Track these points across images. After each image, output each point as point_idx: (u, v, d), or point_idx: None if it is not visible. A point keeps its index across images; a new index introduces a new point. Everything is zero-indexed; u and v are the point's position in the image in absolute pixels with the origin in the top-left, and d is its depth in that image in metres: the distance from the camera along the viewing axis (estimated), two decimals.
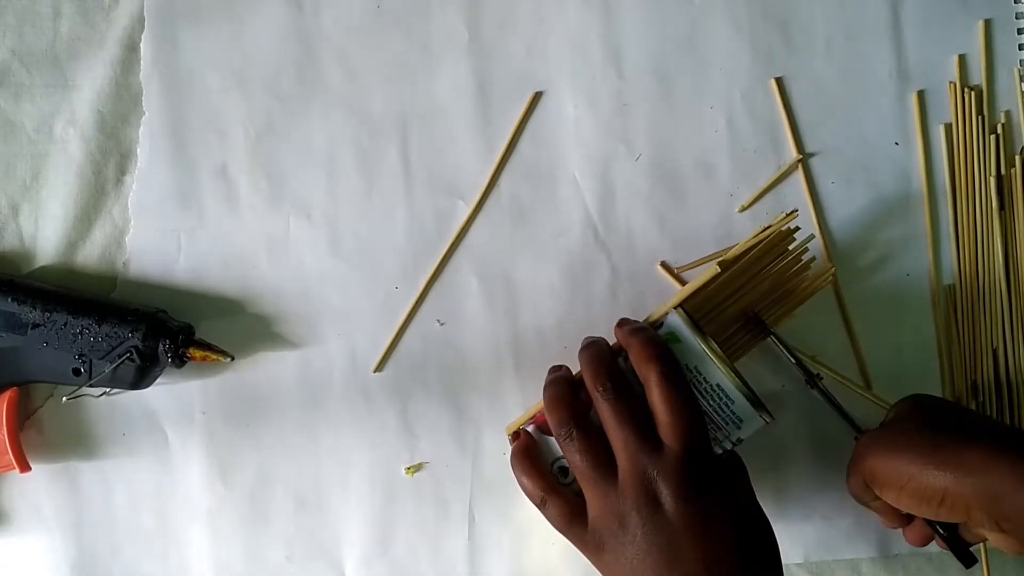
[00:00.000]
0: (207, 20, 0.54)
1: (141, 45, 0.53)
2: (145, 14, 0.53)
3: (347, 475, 0.53)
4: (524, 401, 0.54)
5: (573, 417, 0.45)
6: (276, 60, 0.54)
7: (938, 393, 0.55)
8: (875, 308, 0.55)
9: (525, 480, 0.46)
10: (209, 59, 0.54)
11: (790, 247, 0.50)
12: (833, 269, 0.52)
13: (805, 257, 0.50)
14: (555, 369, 0.49)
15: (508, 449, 0.53)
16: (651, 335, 0.45)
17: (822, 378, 0.51)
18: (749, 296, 0.50)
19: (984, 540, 0.47)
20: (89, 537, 0.53)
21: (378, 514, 0.53)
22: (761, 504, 0.45)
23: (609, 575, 0.44)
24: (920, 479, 0.43)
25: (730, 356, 0.50)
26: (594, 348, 0.47)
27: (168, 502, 0.53)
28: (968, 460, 0.42)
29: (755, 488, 0.46)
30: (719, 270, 0.46)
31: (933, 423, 0.46)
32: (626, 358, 0.46)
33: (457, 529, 0.54)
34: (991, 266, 0.55)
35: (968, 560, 0.48)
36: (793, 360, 0.50)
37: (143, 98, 0.53)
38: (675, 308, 0.47)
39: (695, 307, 0.48)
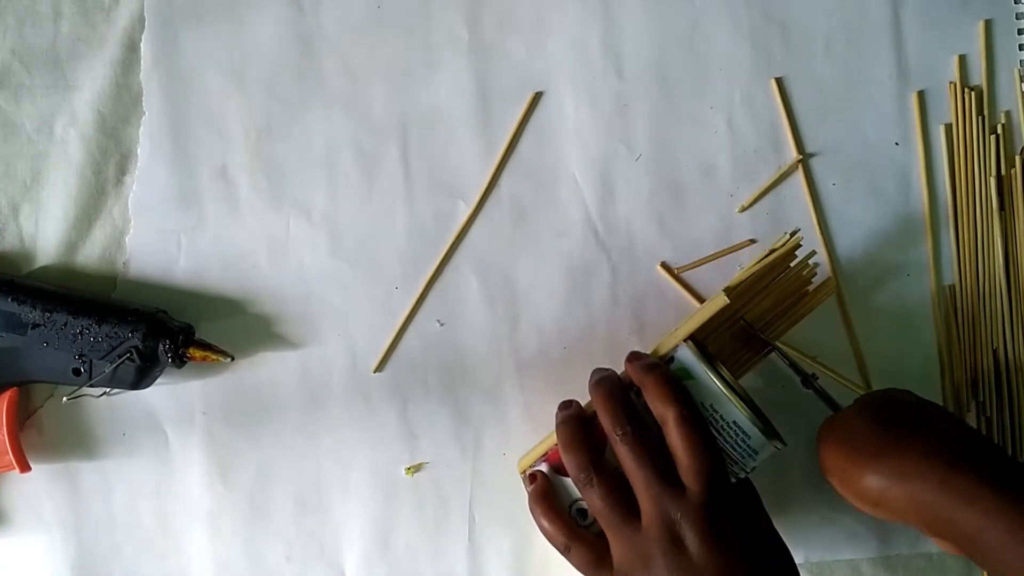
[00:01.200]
0: (207, 20, 0.54)
1: (141, 45, 0.53)
2: (145, 14, 0.53)
3: (347, 475, 0.53)
4: (524, 402, 0.54)
5: (592, 461, 0.44)
6: (276, 60, 0.54)
7: (938, 393, 0.55)
8: (875, 308, 0.55)
9: (547, 525, 0.46)
10: (209, 59, 0.54)
11: (792, 264, 0.49)
12: (834, 283, 0.52)
13: (807, 269, 0.50)
14: (565, 405, 0.48)
15: (508, 450, 0.53)
16: (666, 373, 0.44)
17: (817, 378, 0.51)
18: (752, 314, 0.50)
19: None
20: (89, 537, 0.53)
21: (378, 514, 0.53)
22: (767, 513, 0.46)
23: None
24: (859, 480, 0.45)
25: (735, 373, 0.50)
26: (607, 384, 0.46)
27: (168, 502, 0.53)
28: (904, 467, 0.43)
29: (756, 490, 0.46)
30: (727, 300, 0.45)
31: (885, 420, 0.46)
32: (638, 393, 0.45)
33: (457, 529, 0.54)
34: (991, 266, 0.55)
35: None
36: (787, 363, 0.50)
37: (143, 98, 0.53)
38: (684, 341, 0.46)
39: (698, 328, 0.48)
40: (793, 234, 0.48)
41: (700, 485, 0.42)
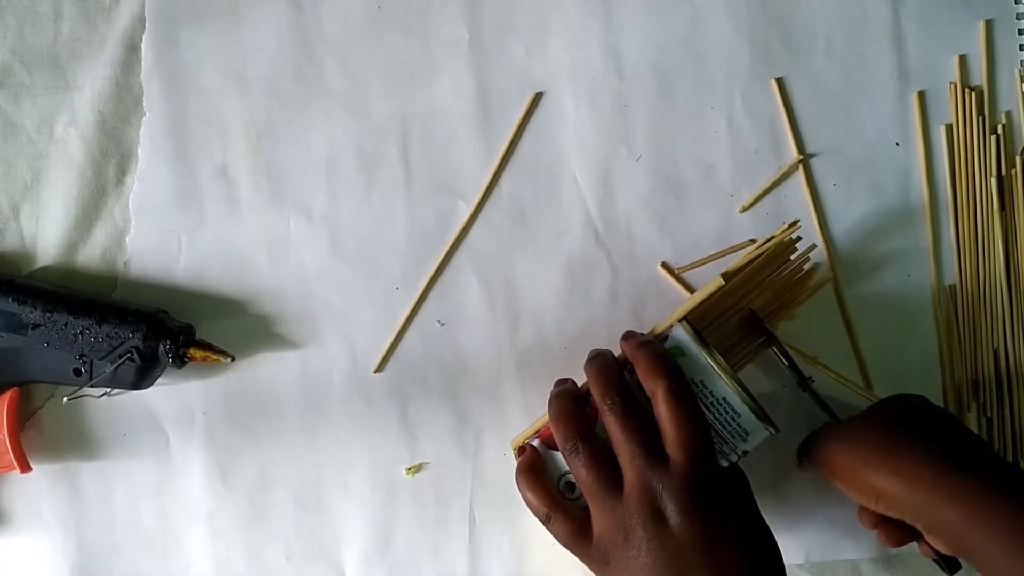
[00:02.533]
0: (208, 21, 0.54)
1: (142, 46, 0.53)
2: (146, 15, 0.53)
3: (347, 475, 0.53)
4: (524, 402, 0.54)
5: (579, 431, 0.44)
6: (277, 61, 0.54)
7: (939, 393, 0.55)
8: (876, 308, 0.55)
9: (530, 496, 0.46)
10: (210, 60, 0.54)
11: (792, 257, 0.50)
12: (831, 271, 0.52)
13: (807, 265, 0.50)
14: (560, 382, 0.49)
15: (509, 449, 0.53)
16: (658, 349, 0.45)
17: (813, 380, 0.51)
18: (752, 305, 0.50)
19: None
20: (89, 537, 0.53)
21: (378, 514, 0.53)
22: (761, 505, 0.45)
23: None
24: (862, 476, 0.46)
25: (734, 366, 0.50)
26: (600, 361, 0.46)
27: (168, 502, 0.53)
28: (900, 468, 0.44)
29: (755, 490, 0.46)
30: (723, 282, 0.46)
31: (890, 425, 0.47)
32: (632, 371, 0.45)
33: (457, 529, 0.54)
34: (992, 266, 0.55)
35: (953, 566, 0.48)
36: (786, 363, 0.50)
37: (144, 99, 0.53)
38: (679, 321, 0.46)
39: (698, 317, 0.48)
40: (793, 224, 0.48)
41: (685, 458, 0.42)
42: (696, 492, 0.42)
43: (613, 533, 0.43)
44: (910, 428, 0.46)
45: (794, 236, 0.49)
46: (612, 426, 0.44)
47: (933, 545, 0.46)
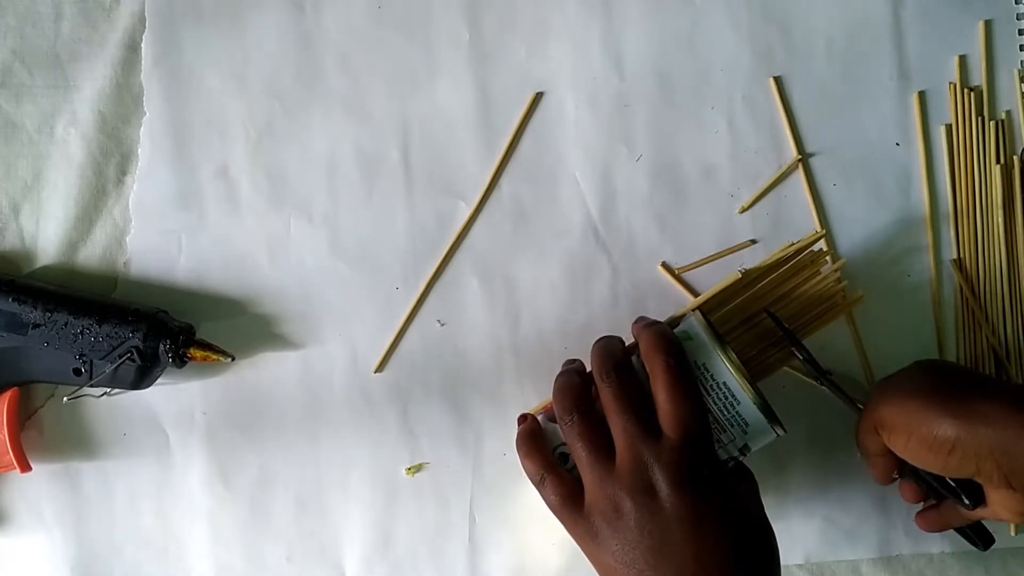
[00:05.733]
0: (208, 21, 0.54)
1: (142, 46, 0.53)
2: (146, 14, 0.53)
3: (347, 476, 0.53)
4: (524, 401, 0.54)
5: (577, 404, 0.45)
6: (277, 61, 0.54)
7: None
8: (876, 309, 0.55)
9: (526, 460, 0.46)
10: (210, 60, 0.54)
11: (822, 271, 0.50)
12: (861, 295, 0.52)
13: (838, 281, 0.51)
14: (569, 362, 0.50)
15: (509, 450, 0.53)
16: (662, 328, 0.46)
17: (832, 374, 0.51)
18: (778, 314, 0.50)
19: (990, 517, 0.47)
20: (89, 537, 0.53)
21: (378, 515, 0.53)
22: (762, 505, 0.45)
23: (601, 562, 0.43)
24: (931, 426, 0.43)
25: (753, 375, 0.50)
26: (605, 341, 0.47)
27: (168, 503, 0.53)
28: (983, 411, 0.43)
29: (756, 481, 0.46)
30: (739, 275, 0.47)
31: (949, 378, 0.46)
32: (639, 355, 0.46)
33: (457, 530, 0.54)
34: (992, 266, 0.55)
35: (987, 540, 0.48)
36: (803, 357, 0.50)
37: (144, 99, 0.53)
38: (694, 311, 0.47)
39: (719, 321, 0.48)
40: (819, 234, 0.49)
41: (677, 432, 0.42)
42: (686, 466, 0.42)
43: (603, 504, 0.43)
44: (967, 379, 0.45)
45: (823, 248, 0.49)
46: (607, 398, 0.44)
47: (1000, 507, 0.44)
